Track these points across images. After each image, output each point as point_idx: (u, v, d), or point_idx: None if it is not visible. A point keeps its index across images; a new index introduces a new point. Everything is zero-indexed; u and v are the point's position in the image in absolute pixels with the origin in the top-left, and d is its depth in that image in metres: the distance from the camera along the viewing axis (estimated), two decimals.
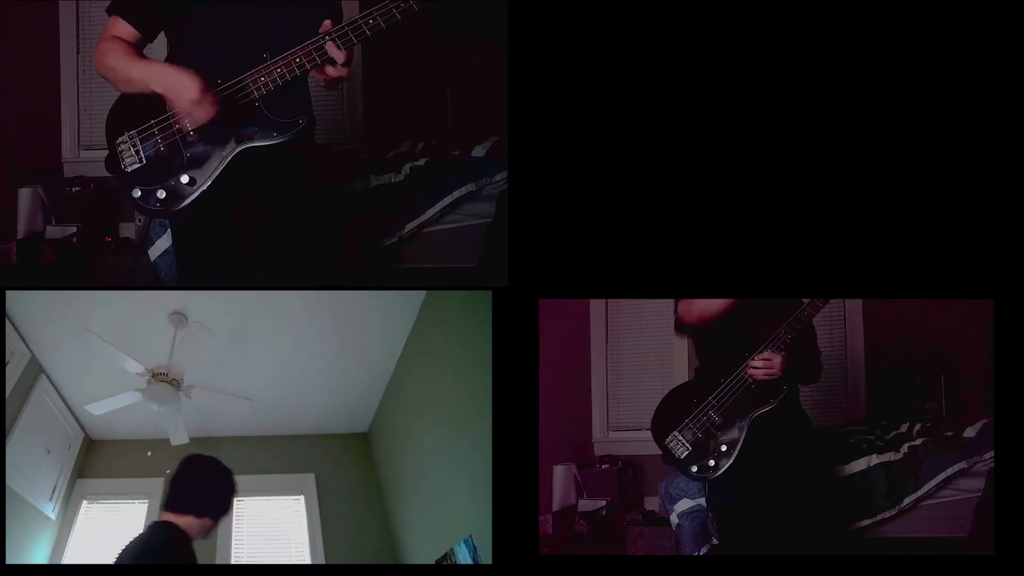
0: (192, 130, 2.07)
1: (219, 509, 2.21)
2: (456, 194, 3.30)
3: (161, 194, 2.09)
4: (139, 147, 2.09)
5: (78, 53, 4.32)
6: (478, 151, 3.64)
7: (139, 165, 2.10)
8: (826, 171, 2.32)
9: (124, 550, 2.00)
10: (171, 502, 2.16)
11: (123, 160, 2.11)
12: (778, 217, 2.32)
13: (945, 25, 2.29)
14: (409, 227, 3.30)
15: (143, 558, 2.00)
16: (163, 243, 3.22)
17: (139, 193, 2.10)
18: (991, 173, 2.29)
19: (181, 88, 2.02)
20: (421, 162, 3.55)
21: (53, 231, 3.90)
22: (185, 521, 2.11)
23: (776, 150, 2.33)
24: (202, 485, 2.24)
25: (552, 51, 2.34)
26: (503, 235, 2.36)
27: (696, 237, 2.33)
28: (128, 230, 4.09)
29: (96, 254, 3.86)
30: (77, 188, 4.03)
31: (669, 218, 2.34)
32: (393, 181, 3.44)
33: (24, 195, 3.95)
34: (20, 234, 3.91)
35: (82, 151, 4.34)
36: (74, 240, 3.86)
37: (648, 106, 2.34)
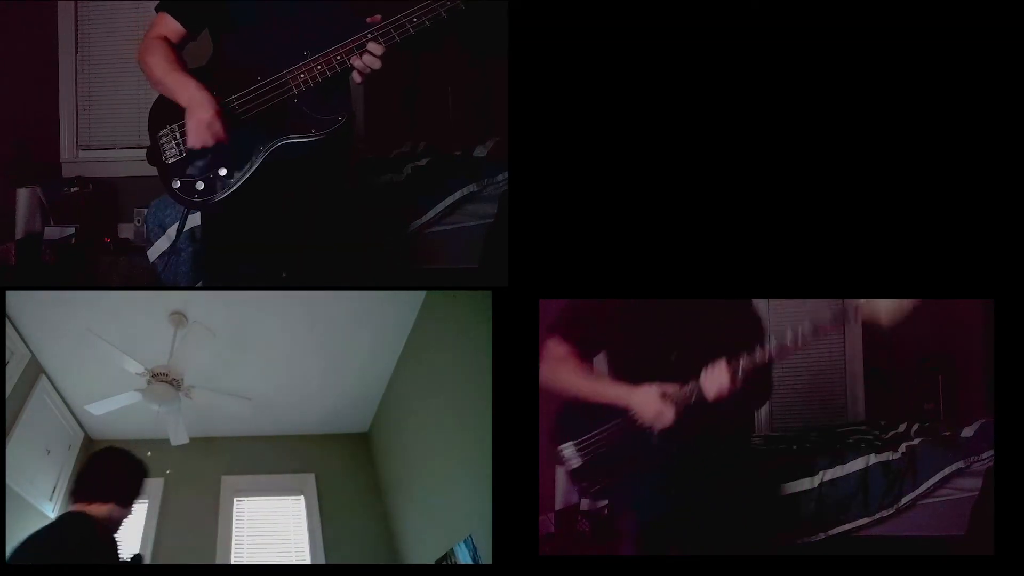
0: (189, 147, 2.12)
1: (126, 495, 2.25)
2: (458, 194, 3.30)
3: (200, 186, 2.16)
4: (179, 140, 2.15)
5: (77, 53, 4.32)
6: (479, 151, 3.64)
7: (179, 157, 2.16)
8: (826, 172, 2.32)
9: (29, 540, 2.00)
10: (77, 491, 2.20)
11: (164, 152, 2.17)
12: (778, 217, 2.33)
13: (945, 25, 2.29)
14: (410, 228, 3.30)
15: (49, 548, 2.00)
16: (162, 244, 3.23)
17: (179, 184, 2.16)
18: (991, 173, 2.29)
19: (197, 107, 2.08)
20: (423, 162, 3.55)
21: (52, 232, 3.90)
22: (93, 509, 2.15)
23: (776, 151, 2.33)
24: (108, 473, 2.27)
25: (552, 51, 2.34)
26: (505, 236, 2.36)
27: (696, 237, 2.33)
28: (127, 231, 4.09)
29: (95, 254, 3.86)
30: (75, 188, 4.03)
31: (669, 218, 2.34)
32: (394, 181, 3.44)
33: (22, 195, 3.95)
34: (19, 235, 3.91)
35: (80, 151, 4.33)
36: (73, 241, 3.86)
37: (648, 107, 2.34)
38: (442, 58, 4.28)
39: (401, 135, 4.03)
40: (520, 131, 2.35)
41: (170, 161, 2.16)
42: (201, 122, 2.08)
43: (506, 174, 3.19)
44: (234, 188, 2.15)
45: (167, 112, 2.16)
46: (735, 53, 2.33)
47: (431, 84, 4.34)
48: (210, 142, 2.10)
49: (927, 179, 2.30)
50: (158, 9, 2.22)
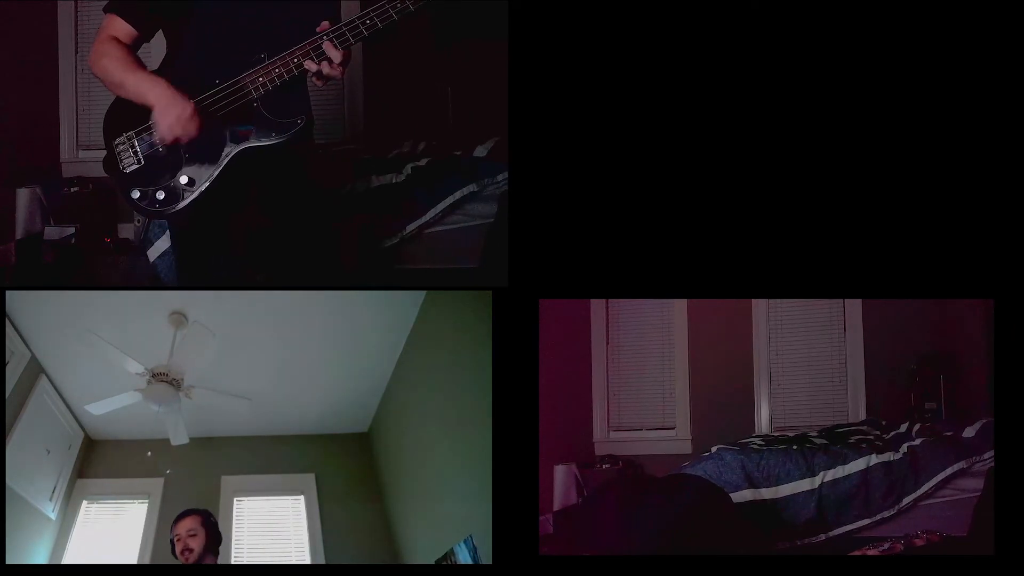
0: (160, 145, 2.07)
1: None
2: (458, 194, 3.30)
3: (160, 195, 2.10)
4: (137, 148, 2.10)
5: (76, 53, 4.33)
6: (479, 151, 3.64)
7: (138, 166, 2.11)
8: (826, 171, 2.32)
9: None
10: None
11: (121, 161, 2.12)
12: (778, 217, 2.33)
13: (945, 25, 2.29)
14: (410, 228, 3.30)
15: None
16: (162, 244, 3.23)
17: (138, 194, 2.12)
18: (991, 173, 2.29)
19: (170, 103, 2.03)
20: (422, 162, 3.54)
21: (52, 232, 3.90)
22: None
23: (776, 150, 2.33)
24: None
25: (552, 51, 2.34)
26: (505, 236, 2.36)
27: (696, 237, 2.34)
28: (127, 231, 4.09)
29: (95, 255, 3.86)
30: (76, 188, 4.03)
31: (669, 218, 2.34)
32: (394, 181, 3.44)
33: (23, 195, 3.95)
34: (19, 235, 3.91)
35: (80, 151, 4.34)
36: (73, 241, 3.86)
37: (648, 106, 2.34)
38: (441, 57, 4.29)
39: (401, 135, 4.03)
40: (520, 131, 2.35)
41: (128, 170, 2.10)
42: (179, 118, 2.03)
43: (506, 174, 3.19)
44: (196, 196, 2.10)
45: (123, 119, 2.10)
46: (735, 53, 2.33)
47: (430, 83, 4.34)
48: (183, 138, 2.05)
49: (927, 179, 2.30)
50: (107, 10, 2.15)
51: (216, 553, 2.88)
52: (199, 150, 2.10)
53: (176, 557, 2.83)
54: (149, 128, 2.09)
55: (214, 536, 2.88)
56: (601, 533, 2.56)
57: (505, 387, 2.29)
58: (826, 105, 2.32)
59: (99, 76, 2.14)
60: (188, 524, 2.86)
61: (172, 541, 2.85)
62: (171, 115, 2.04)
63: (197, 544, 2.81)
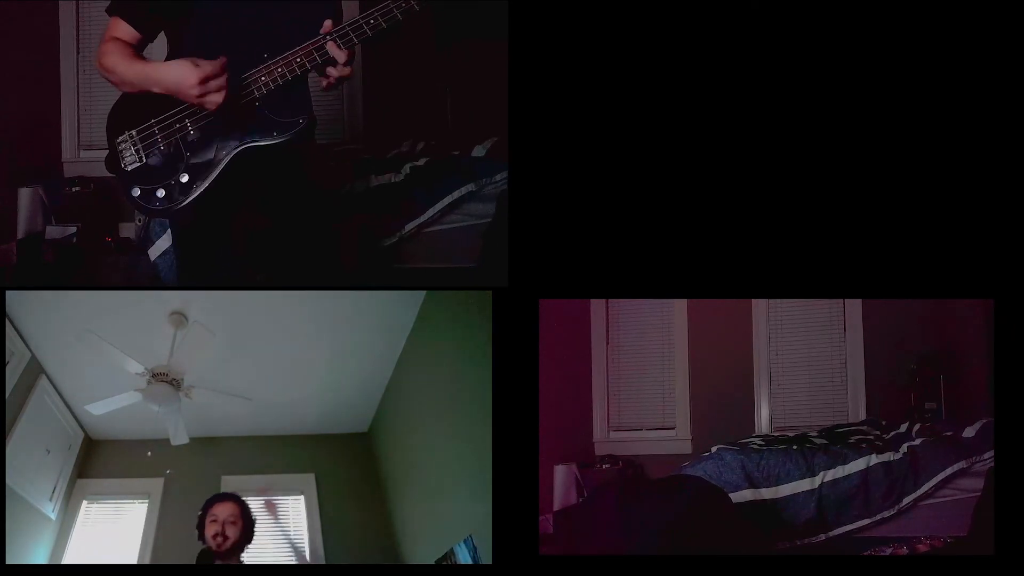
0: (209, 118, 2.07)
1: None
2: (456, 194, 3.30)
3: (161, 193, 2.11)
4: (139, 146, 2.11)
5: (78, 53, 4.34)
6: (478, 151, 3.65)
7: (139, 164, 2.12)
8: (826, 171, 2.32)
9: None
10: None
11: (123, 159, 2.12)
12: (778, 217, 2.33)
13: (945, 25, 2.29)
14: (409, 227, 3.30)
15: None
16: (163, 243, 3.23)
17: (139, 192, 2.12)
18: (991, 173, 2.29)
19: (180, 84, 2.03)
20: (421, 162, 3.55)
21: (53, 231, 3.91)
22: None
23: (776, 150, 2.33)
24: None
25: (552, 51, 2.34)
26: (503, 235, 2.36)
27: (696, 237, 2.33)
28: (128, 230, 4.10)
29: (96, 254, 3.87)
30: (77, 188, 4.04)
31: (669, 218, 2.34)
32: (393, 181, 3.45)
33: (24, 195, 3.96)
34: (20, 234, 3.92)
35: (82, 151, 4.35)
36: (74, 240, 3.87)
37: (648, 106, 2.34)
38: (440, 57, 4.30)
39: (400, 135, 4.04)
40: (520, 131, 2.35)
41: (130, 169, 2.11)
42: (195, 93, 2.01)
43: (504, 173, 3.19)
44: (196, 194, 2.10)
45: (126, 117, 2.12)
46: (735, 53, 2.33)
47: (429, 84, 4.34)
48: (216, 104, 2.03)
49: (927, 179, 2.30)
50: (109, 12, 2.16)
51: (239, 556, 2.66)
52: (201, 149, 2.10)
53: (202, 540, 2.61)
54: (152, 126, 2.10)
55: (248, 535, 2.67)
56: (601, 533, 2.56)
57: (505, 387, 2.29)
58: (826, 105, 2.32)
59: (104, 76, 2.15)
60: (231, 509, 2.65)
61: (202, 521, 2.63)
62: (187, 94, 2.03)
63: (234, 534, 2.60)
